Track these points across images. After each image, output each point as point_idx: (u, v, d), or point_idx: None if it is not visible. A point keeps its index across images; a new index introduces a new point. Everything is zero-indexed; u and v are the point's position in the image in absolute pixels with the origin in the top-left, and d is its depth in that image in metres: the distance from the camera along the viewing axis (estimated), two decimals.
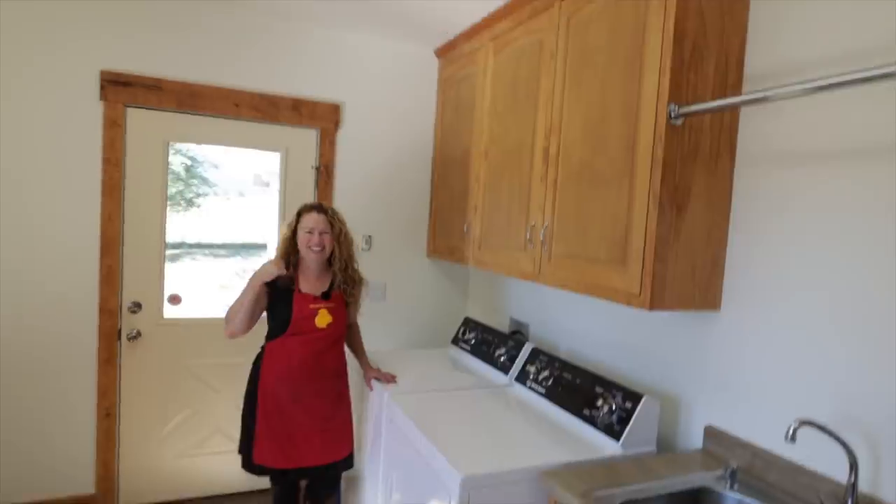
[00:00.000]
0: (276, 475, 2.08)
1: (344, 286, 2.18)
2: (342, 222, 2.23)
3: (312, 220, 2.11)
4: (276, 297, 2.08)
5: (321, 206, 2.18)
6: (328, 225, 2.15)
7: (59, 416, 2.46)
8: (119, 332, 2.53)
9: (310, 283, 2.14)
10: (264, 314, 2.14)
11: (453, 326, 3.03)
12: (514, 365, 2.21)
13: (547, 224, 1.90)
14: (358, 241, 2.88)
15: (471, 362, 2.48)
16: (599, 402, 1.75)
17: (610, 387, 1.76)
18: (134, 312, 2.56)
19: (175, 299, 2.66)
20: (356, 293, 2.23)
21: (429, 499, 1.62)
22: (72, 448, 2.48)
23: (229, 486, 2.80)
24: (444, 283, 3.14)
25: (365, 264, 2.91)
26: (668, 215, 1.47)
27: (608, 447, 1.64)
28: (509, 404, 2.00)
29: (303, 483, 2.22)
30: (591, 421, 1.75)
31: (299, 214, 2.14)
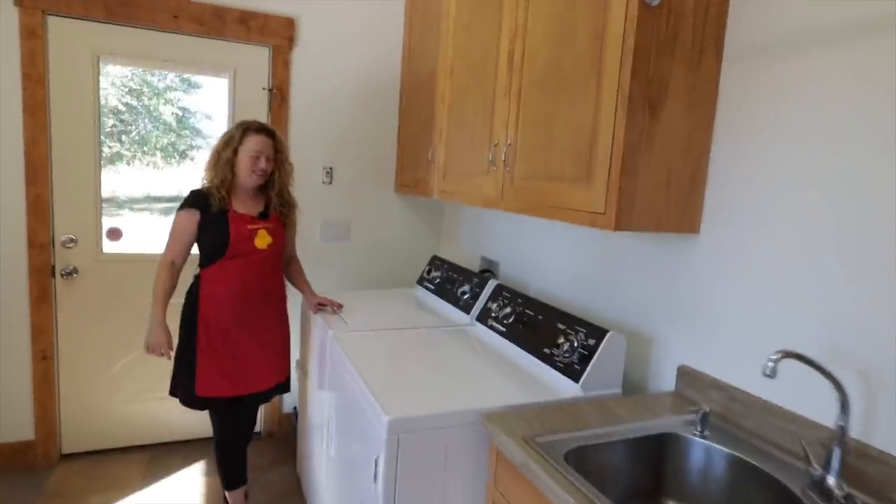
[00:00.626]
0: (221, 405, 1.95)
1: (280, 209, 2.06)
2: (287, 148, 2.08)
3: (261, 143, 1.94)
4: (209, 220, 1.89)
5: (269, 129, 2.00)
6: (273, 150, 1.98)
7: None
8: (52, 268, 2.33)
9: (244, 204, 1.98)
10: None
11: (420, 268, 2.83)
12: (476, 303, 2.01)
13: (510, 142, 1.66)
14: (317, 174, 2.67)
15: (433, 302, 2.29)
16: (560, 340, 1.55)
17: (573, 323, 1.56)
18: (69, 248, 2.35)
19: (115, 234, 2.45)
20: (293, 216, 2.12)
21: (360, 446, 1.45)
22: (6, 392, 2.32)
23: (180, 432, 2.66)
24: (414, 220, 2.91)
25: (326, 199, 2.71)
26: (639, 117, 1.22)
27: (567, 389, 1.45)
28: (466, 344, 1.80)
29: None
30: (550, 361, 1.55)
31: (244, 133, 1.93)
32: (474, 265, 2.52)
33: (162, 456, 2.57)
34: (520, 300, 1.82)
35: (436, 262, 2.48)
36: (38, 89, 2.21)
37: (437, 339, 1.83)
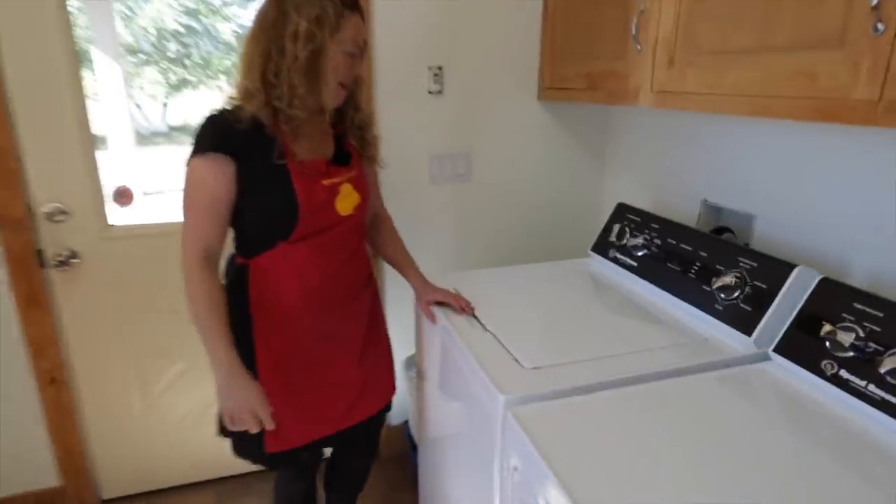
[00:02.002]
0: (303, 454, 1.25)
1: (362, 138, 1.24)
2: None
3: (360, 29, 1.09)
4: (254, 175, 1.06)
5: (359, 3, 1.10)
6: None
7: None
8: (40, 254, 1.54)
9: (308, 141, 1.14)
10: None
11: (588, 224, 1.82)
12: (764, 319, 1.00)
13: None
14: (420, 78, 1.68)
15: (651, 295, 1.29)
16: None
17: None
18: (59, 222, 1.54)
19: (124, 195, 1.62)
20: (376, 147, 1.27)
21: None
22: (14, 429, 1.64)
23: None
24: (569, 144, 1.85)
25: (434, 118, 1.71)
26: None
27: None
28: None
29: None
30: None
31: (339, 13, 1.04)
32: (686, 216, 1.48)
33: (232, 494, 1.88)
34: None
35: (627, 215, 1.46)
36: None
37: (716, 406, 0.87)
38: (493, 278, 1.42)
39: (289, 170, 1.06)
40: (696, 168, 1.51)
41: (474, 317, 1.18)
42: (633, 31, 1.21)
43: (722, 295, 1.08)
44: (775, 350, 0.96)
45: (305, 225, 1.08)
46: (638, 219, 1.41)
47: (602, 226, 1.54)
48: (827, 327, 0.88)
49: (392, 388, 1.38)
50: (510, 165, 1.81)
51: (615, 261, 1.42)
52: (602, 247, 1.49)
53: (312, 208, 1.08)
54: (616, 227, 1.44)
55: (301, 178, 1.07)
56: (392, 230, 1.38)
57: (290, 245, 1.09)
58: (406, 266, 1.35)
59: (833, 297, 0.90)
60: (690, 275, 1.18)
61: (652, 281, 1.27)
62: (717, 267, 1.13)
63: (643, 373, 0.94)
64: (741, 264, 1.08)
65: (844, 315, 0.86)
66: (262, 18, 1.03)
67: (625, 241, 1.41)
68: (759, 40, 0.91)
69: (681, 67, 1.11)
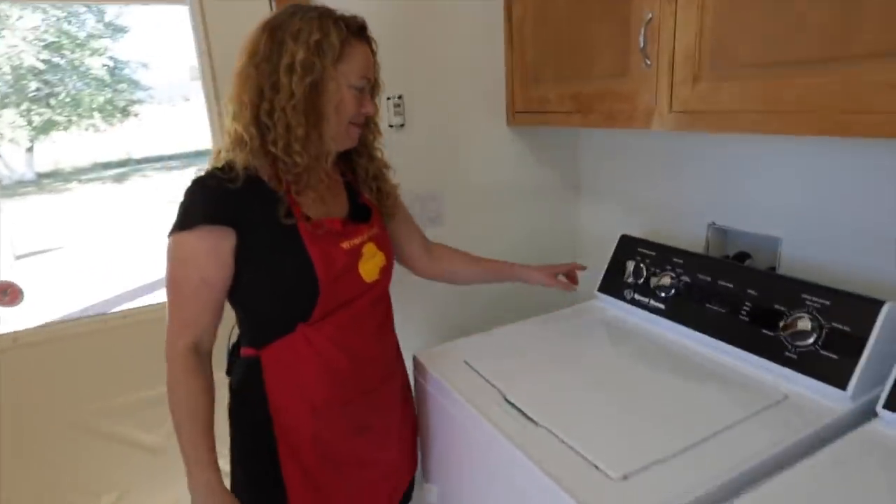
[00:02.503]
0: None
1: (377, 189, 1.07)
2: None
3: (368, 60, 0.95)
4: (258, 244, 0.89)
5: (366, 27, 0.96)
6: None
7: None
8: None
9: (318, 199, 0.97)
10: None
11: (567, 259, 1.67)
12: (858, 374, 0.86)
13: None
14: (381, 110, 1.43)
15: (690, 341, 1.12)
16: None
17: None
18: None
19: (7, 293, 1.22)
20: (395, 200, 1.12)
21: None
22: None
23: None
24: (543, 174, 1.69)
25: (397, 155, 1.47)
26: None
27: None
28: None
29: None
30: None
31: (344, 38, 0.90)
32: (684, 244, 1.35)
33: None
34: None
35: (638, 249, 1.30)
36: None
37: None
38: (499, 344, 1.20)
39: (301, 233, 0.88)
40: (695, 190, 1.38)
41: (509, 402, 0.95)
42: (642, 44, 1.06)
43: (794, 341, 0.93)
44: (886, 406, 0.81)
45: (328, 298, 0.91)
46: (652, 252, 1.26)
47: (584, 257, 1.38)
48: None
49: (415, 465, 1.19)
50: (483, 202, 1.60)
51: (634, 303, 1.25)
52: (614, 287, 1.32)
53: (333, 277, 0.90)
54: (631, 265, 1.27)
55: (316, 242, 0.89)
56: (453, 250, 1.25)
57: (311, 326, 0.91)
58: (501, 268, 1.24)
59: None
60: (742, 317, 1.03)
61: (690, 325, 1.11)
62: (776, 307, 0.98)
63: (752, 464, 0.76)
64: (808, 302, 0.94)
65: None
66: (252, 49, 0.86)
67: (642, 280, 1.24)
68: (830, 49, 0.78)
69: (712, 82, 0.96)
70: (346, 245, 0.94)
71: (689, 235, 1.40)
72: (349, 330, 0.96)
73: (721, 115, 0.96)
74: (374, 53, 0.95)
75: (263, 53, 0.85)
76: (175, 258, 0.86)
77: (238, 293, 0.91)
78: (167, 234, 0.86)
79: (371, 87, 0.96)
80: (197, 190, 0.86)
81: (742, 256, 1.27)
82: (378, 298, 1.02)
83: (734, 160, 1.28)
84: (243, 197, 0.85)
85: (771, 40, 0.86)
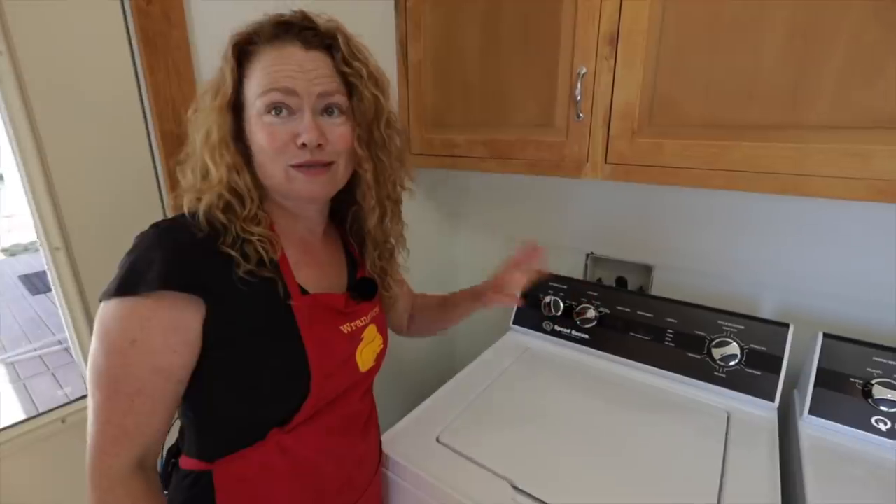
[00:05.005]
0: None
1: (381, 253, 0.84)
2: (382, 76, 0.73)
3: (294, 63, 0.65)
4: (242, 327, 0.64)
5: (310, 21, 0.68)
6: (341, 83, 0.69)
7: None
8: None
9: (314, 266, 0.75)
10: None
11: (447, 289, 1.62)
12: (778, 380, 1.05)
13: None
14: None
15: (622, 369, 1.19)
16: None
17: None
18: None
19: None
20: (395, 260, 0.89)
21: None
22: None
23: None
24: (428, 208, 1.60)
25: None
26: None
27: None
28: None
29: None
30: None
31: (243, 50, 0.67)
32: (566, 272, 1.47)
33: None
34: None
35: (549, 283, 1.34)
36: None
37: None
38: (455, 407, 1.08)
39: (293, 312, 0.66)
40: (574, 224, 1.49)
41: (516, 487, 0.85)
42: (578, 97, 1.07)
43: (721, 361, 1.08)
44: (812, 413, 0.99)
45: (318, 397, 0.69)
46: (564, 286, 1.31)
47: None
48: (858, 383, 0.97)
49: None
50: None
51: (556, 334, 1.28)
52: (530, 319, 1.33)
53: (329, 371, 0.70)
54: (548, 298, 1.29)
55: (313, 326, 0.68)
56: (428, 297, 1.09)
57: (288, 433, 0.68)
58: (459, 299, 1.03)
59: (845, 353, 1.00)
60: (667, 343, 1.15)
61: (618, 353, 1.20)
62: (697, 332, 1.13)
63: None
64: (725, 327, 1.11)
65: (870, 370, 0.97)
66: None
67: (560, 311, 1.28)
68: (782, 117, 0.90)
69: (654, 138, 1.03)
70: (346, 328, 0.74)
71: (569, 264, 1.51)
72: (335, 432, 0.75)
73: (662, 169, 1.02)
74: (332, 57, 0.68)
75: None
76: (112, 337, 0.58)
77: (193, 386, 0.64)
78: (100, 297, 0.59)
79: (323, 102, 0.67)
80: (153, 239, 0.61)
81: (620, 281, 1.43)
82: (368, 388, 0.82)
83: (609, 198, 1.42)
84: (217, 254, 0.62)
85: (720, 103, 0.95)
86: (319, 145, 0.66)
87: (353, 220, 0.82)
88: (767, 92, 0.90)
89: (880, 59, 0.79)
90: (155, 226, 0.63)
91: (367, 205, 0.75)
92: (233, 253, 0.63)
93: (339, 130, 0.68)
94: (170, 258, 0.59)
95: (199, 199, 0.65)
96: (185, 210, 0.65)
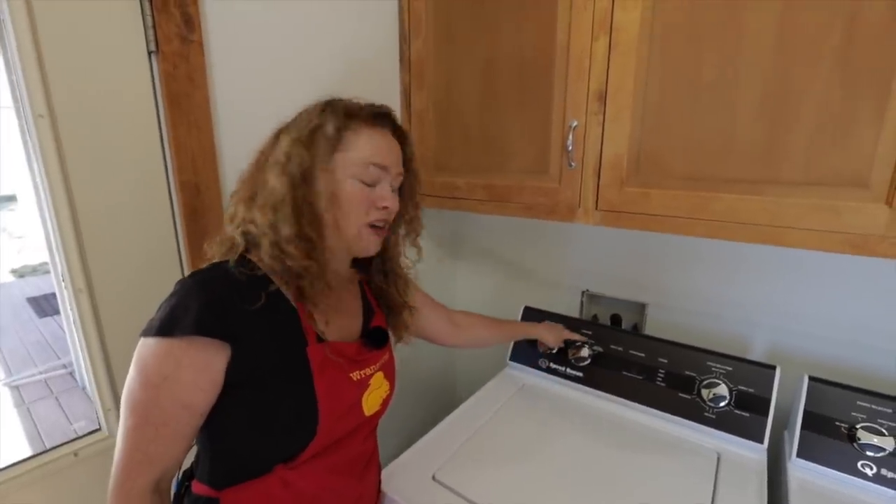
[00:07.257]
0: None
1: (389, 293, 0.94)
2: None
3: (380, 148, 0.79)
4: (261, 370, 0.71)
5: (392, 116, 0.84)
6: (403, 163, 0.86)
7: None
8: None
9: (333, 313, 0.82)
10: None
11: None
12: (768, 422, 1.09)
13: None
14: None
15: (615, 407, 1.23)
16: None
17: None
18: None
19: None
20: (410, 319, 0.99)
21: None
22: None
23: None
24: (429, 248, 1.65)
25: None
26: None
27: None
28: None
29: None
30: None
31: (346, 120, 0.77)
32: (562, 309, 1.51)
33: None
34: None
35: (537, 318, 1.39)
36: None
37: None
38: (454, 443, 1.12)
39: (308, 356, 0.72)
40: (570, 262, 1.55)
41: None
42: (570, 147, 1.14)
43: (711, 402, 1.12)
44: (799, 455, 1.02)
45: (323, 438, 0.75)
46: (560, 324, 1.35)
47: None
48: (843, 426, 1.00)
49: None
50: None
51: (551, 371, 1.32)
52: (526, 356, 1.37)
53: (337, 415, 0.76)
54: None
55: (325, 372, 0.75)
56: (473, 317, 1.24)
57: (292, 469, 0.74)
58: (515, 328, 1.33)
59: (830, 397, 1.03)
60: (658, 382, 1.19)
61: (611, 391, 1.23)
62: (687, 373, 1.17)
63: None
64: (713, 368, 1.15)
65: (854, 414, 1.00)
66: (258, 155, 0.79)
67: (555, 350, 1.33)
68: (760, 172, 0.96)
69: (641, 188, 1.09)
70: (356, 376, 0.80)
71: (565, 301, 1.55)
72: (338, 471, 0.81)
73: (650, 217, 1.08)
74: (402, 143, 0.84)
75: (262, 155, 0.78)
76: (148, 371, 0.66)
77: (211, 418, 0.71)
78: (141, 332, 0.67)
79: (398, 180, 0.84)
80: (192, 289, 0.69)
81: (615, 318, 1.47)
82: (372, 430, 0.88)
83: (605, 238, 1.47)
84: (248, 303, 0.70)
85: (701, 158, 1.02)
86: (386, 208, 0.78)
87: (375, 270, 0.91)
88: (744, 149, 0.96)
89: (845, 123, 0.85)
90: (193, 275, 0.71)
91: (390, 257, 0.91)
92: (261, 301, 0.70)
93: (398, 200, 0.83)
94: (203, 307, 0.66)
95: (244, 235, 0.74)
96: (235, 238, 0.75)
